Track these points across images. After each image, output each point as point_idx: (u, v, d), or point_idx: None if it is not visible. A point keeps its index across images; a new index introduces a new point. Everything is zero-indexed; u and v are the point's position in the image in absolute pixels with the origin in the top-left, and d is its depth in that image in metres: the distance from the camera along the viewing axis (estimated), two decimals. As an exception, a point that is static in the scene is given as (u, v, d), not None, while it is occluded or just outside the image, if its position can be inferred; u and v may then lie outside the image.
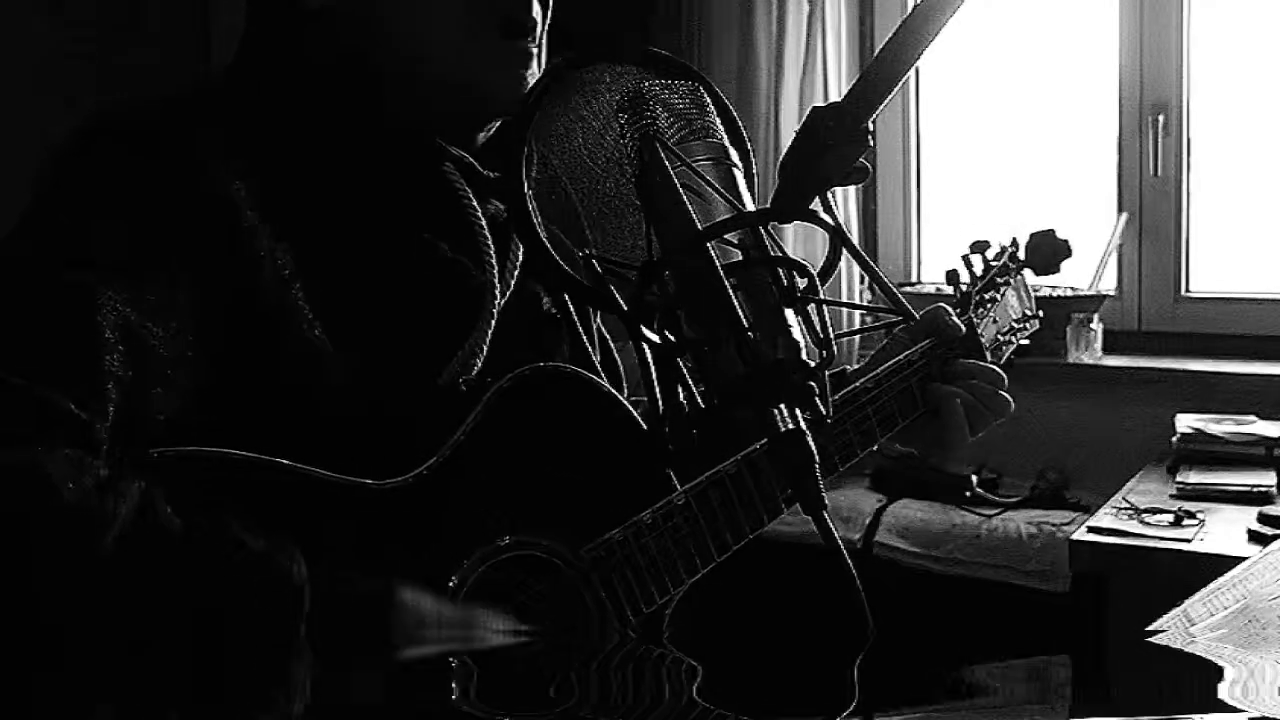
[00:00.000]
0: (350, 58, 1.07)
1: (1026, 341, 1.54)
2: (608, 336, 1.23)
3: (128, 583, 0.82)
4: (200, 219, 0.96)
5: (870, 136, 0.82)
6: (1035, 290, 1.57)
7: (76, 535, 0.82)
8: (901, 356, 1.29)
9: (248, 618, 0.84)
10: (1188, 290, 2.97)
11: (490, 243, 1.09)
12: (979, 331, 1.40)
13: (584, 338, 1.18)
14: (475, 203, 1.09)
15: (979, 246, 1.50)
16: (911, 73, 0.81)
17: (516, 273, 1.12)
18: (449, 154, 1.09)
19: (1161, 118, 2.91)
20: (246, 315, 0.97)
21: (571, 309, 1.17)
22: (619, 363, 1.21)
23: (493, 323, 1.07)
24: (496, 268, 1.09)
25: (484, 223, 1.09)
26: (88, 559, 0.81)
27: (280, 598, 0.85)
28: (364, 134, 1.08)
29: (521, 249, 1.12)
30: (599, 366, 1.17)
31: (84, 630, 0.80)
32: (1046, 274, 1.53)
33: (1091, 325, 2.81)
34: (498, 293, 1.08)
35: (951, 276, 1.47)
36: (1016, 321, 1.50)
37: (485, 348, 1.06)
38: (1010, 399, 1.31)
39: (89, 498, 0.83)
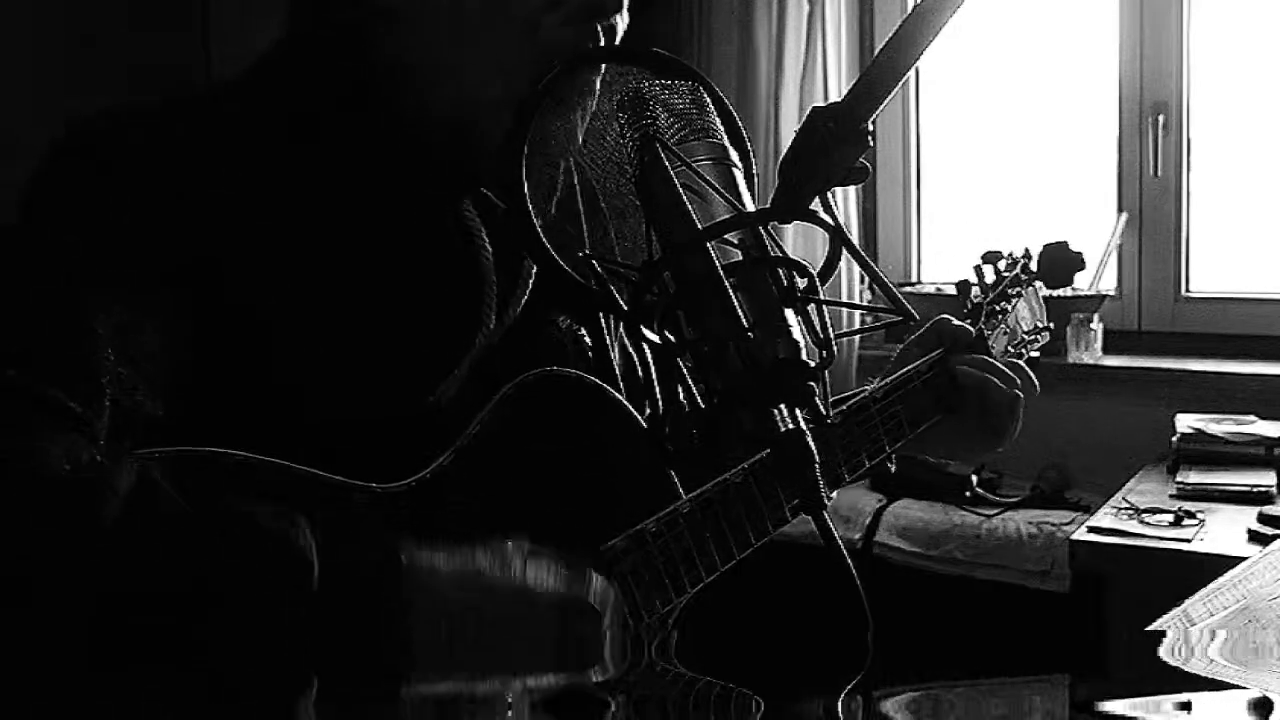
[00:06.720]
0: (402, 70, 1.02)
1: (1036, 354, 1.53)
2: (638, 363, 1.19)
3: (130, 557, 0.81)
4: (186, 231, 0.95)
5: (870, 137, 0.82)
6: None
7: (75, 512, 0.81)
8: (909, 368, 1.29)
9: (256, 587, 0.83)
10: (1188, 290, 2.97)
11: (494, 277, 1.06)
12: (989, 344, 1.39)
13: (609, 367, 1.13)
14: (486, 238, 1.06)
15: (991, 257, 1.49)
16: (911, 73, 0.81)
17: (521, 305, 1.08)
18: (472, 189, 1.06)
19: (1161, 118, 2.91)
20: (229, 325, 0.95)
21: (589, 340, 1.12)
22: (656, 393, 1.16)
23: (474, 350, 1.04)
24: (497, 299, 1.06)
25: (491, 259, 1.06)
26: (88, 535, 0.81)
27: (289, 566, 0.84)
28: (387, 157, 1.04)
29: (531, 284, 1.08)
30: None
31: (87, 607, 0.80)
32: (1059, 286, 1.52)
33: (1091, 325, 2.81)
34: (491, 317, 1.05)
35: (963, 287, 1.46)
36: (1027, 334, 1.49)
37: (465, 370, 1.03)
38: (1029, 374, 1.33)
39: (86, 473, 0.82)
